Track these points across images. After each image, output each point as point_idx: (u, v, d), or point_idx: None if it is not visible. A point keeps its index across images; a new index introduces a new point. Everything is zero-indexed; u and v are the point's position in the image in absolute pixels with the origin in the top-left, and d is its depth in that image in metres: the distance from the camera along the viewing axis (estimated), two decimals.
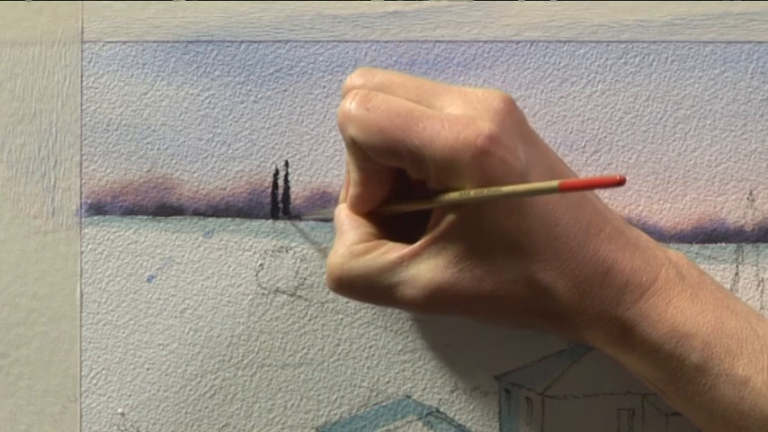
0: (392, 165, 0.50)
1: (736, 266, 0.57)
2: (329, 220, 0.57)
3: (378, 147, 0.49)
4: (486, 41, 0.58)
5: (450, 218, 0.49)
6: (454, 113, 0.49)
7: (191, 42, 0.58)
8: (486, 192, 0.47)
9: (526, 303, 0.50)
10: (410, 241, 0.51)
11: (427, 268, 0.50)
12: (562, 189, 0.43)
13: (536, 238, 0.49)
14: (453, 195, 0.48)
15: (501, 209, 0.48)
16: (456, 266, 0.50)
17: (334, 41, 0.58)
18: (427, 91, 0.50)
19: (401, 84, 0.51)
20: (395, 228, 0.52)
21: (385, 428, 0.57)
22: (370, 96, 0.49)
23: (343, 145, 0.57)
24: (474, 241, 0.49)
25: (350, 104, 0.50)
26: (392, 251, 0.51)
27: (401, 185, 0.52)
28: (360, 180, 0.51)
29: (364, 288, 0.51)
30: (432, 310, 0.51)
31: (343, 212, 0.53)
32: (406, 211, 0.52)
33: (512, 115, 0.50)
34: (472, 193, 0.48)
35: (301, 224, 0.58)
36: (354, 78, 0.51)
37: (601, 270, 0.50)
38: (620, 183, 0.41)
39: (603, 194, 0.57)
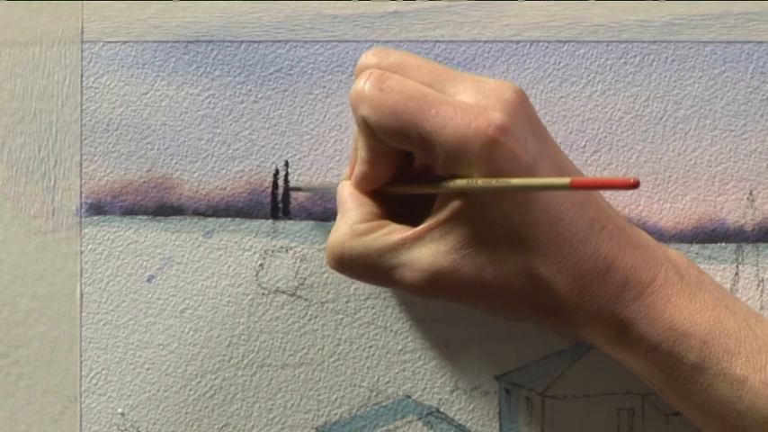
0: (401, 147, 0.50)
1: (736, 266, 0.57)
2: (330, 194, 0.57)
3: (389, 128, 0.49)
4: (486, 41, 0.58)
5: (455, 204, 0.49)
6: (467, 101, 0.49)
7: (191, 42, 0.58)
8: (494, 182, 0.47)
9: (525, 296, 0.50)
10: (411, 224, 0.51)
11: (429, 252, 0.50)
12: (573, 187, 0.43)
13: (539, 232, 0.49)
14: (461, 183, 0.48)
15: (507, 200, 0.48)
16: (458, 253, 0.50)
17: (334, 41, 0.58)
18: (441, 76, 0.50)
19: (416, 66, 0.50)
20: (397, 209, 0.52)
21: (385, 428, 0.57)
22: (384, 77, 0.49)
23: (343, 145, 0.57)
24: (477, 229, 0.49)
25: (364, 84, 0.49)
26: (395, 232, 0.51)
27: (407, 167, 0.52)
28: (367, 159, 0.51)
29: (364, 268, 0.51)
30: (430, 295, 0.51)
31: (346, 190, 0.53)
32: (410, 193, 0.52)
33: (523, 107, 0.50)
34: (480, 182, 0.47)
35: (302, 224, 0.58)
36: (369, 57, 0.51)
37: (601, 267, 0.50)
38: (634, 186, 0.41)
39: (604, 193, 0.57)
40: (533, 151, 0.49)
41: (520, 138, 0.48)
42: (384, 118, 0.49)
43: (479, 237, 0.49)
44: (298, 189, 0.57)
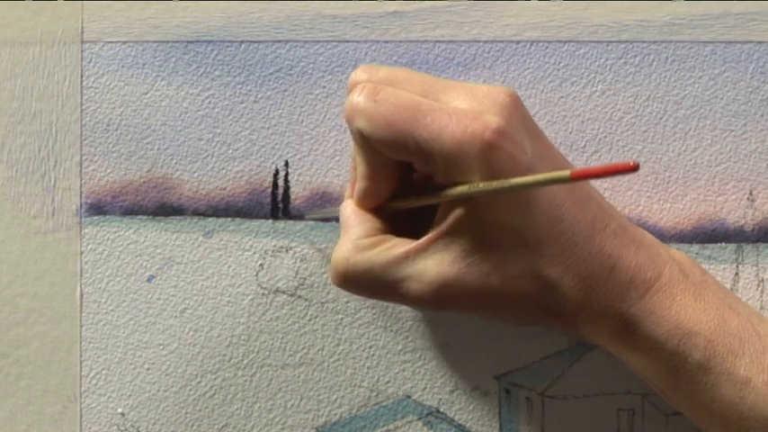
0: (399, 158, 0.50)
1: (736, 266, 0.57)
2: (334, 219, 0.57)
3: (385, 139, 0.49)
4: (486, 41, 0.58)
5: (457, 213, 0.49)
6: (461, 107, 0.49)
7: (191, 42, 0.58)
8: (494, 184, 0.47)
9: (533, 299, 0.50)
10: (416, 238, 0.51)
11: (434, 263, 0.50)
12: (574, 178, 0.43)
13: (542, 234, 0.49)
14: (461, 189, 0.48)
15: (508, 204, 0.48)
16: (463, 261, 0.50)
17: (334, 41, 0.58)
18: (433, 86, 0.50)
19: (406, 78, 0.51)
20: (401, 224, 0.52)
21: (385, 428, 0.57)
22: (378, 89, 0.49)
23: (344, 145, 0.57)
24: (481, 236, 0.49)
25: (358, 97, 0.50)
26: (398, 246, 0.51)
27: (408, 181, 0.52)
28: (367, 174, 0.51)
29: (369, 283, 0.51)
30: (437, 306, 0.51)
31: (348, 208, 0.53)
32: (412, 206, 0.52)
33: (518, 110, 0.50)
34: (481, 185, 0.47)
35: (301, 224, 0.58)
36: (359, 74, 0.51)
37: (606, 266, 0.50)
38: (634, 169, 0.41)
39: (604, 194, 0.57)
40: (531, 153, 0.49)
41: (517, 140, 0.48)
42: (380, 129, 0.49)
43: (483, 243, 0.49)
44: (301, 217, 0.57)
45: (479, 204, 0.49)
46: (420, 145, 0.49)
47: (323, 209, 0.57)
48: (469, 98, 0.50)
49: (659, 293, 0.50)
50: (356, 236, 0.52)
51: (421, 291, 0.50)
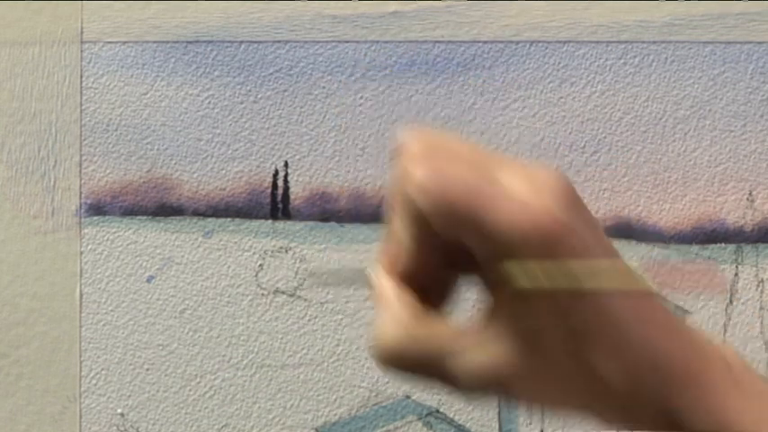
0: (452, 237, 0.48)
1: (736, 267, 0.57)
2: (359, 283, 0.55)
3: (443, 218, 0.47)
4: (486, 41, 0.58)
5: (514, 302, 0.47)
6: (522, 192, 0.47)
7: (191, 42, 0.58)
8: (564, 281, 0.45)
9: (583, 391, 0.49)
10: (439, 295, 0.49)
11: (488, 349, 0.48)
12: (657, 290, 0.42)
13: (590, 326, 0.48)
14: (526, 281, 0.46)
15: (563, 295, 0.47)
16: (517, 355, 0.48)
17: (334, 41, 0.58)
18: (484, 162, 0.48)
19: (457, 150, 0.48)
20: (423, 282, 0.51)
21: (385, 428, 0.58)
22: (438, 165, 0.47)
23: (343, 145, 0.57)
24: (534, 325, 0.48)
25: (418, 171, 0.47)
26: (452, 329, 0.49)
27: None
28: (413, 250, 0.49)
29: (419, 367, 0.49)
30: (490, 393, 0.49)
31: (385, 279, 0.50)
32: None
33: (576, 198, 0.48)
34: (558, 281, 0.46)
35: (301, 224, 0.58)
36: (409, 139, 0.49)
37: (651, 356, 0.49)
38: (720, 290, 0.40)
39: (604, 194, 0.57)
40: (588, 241, 0.48)
41: (576, 228, 0.47)
42: (439, 208, 0.47)
43: (536, 333, 0.48)
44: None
45: (534, 292, 0.47)
46: (480, 228, 0.47)
47: (349, 271, 0.55)
48: (528, 181, 0.48)
49: (703, 388, 0.49)
50: (401, 315, 0.49)
51: (471, 381, 0.48)
